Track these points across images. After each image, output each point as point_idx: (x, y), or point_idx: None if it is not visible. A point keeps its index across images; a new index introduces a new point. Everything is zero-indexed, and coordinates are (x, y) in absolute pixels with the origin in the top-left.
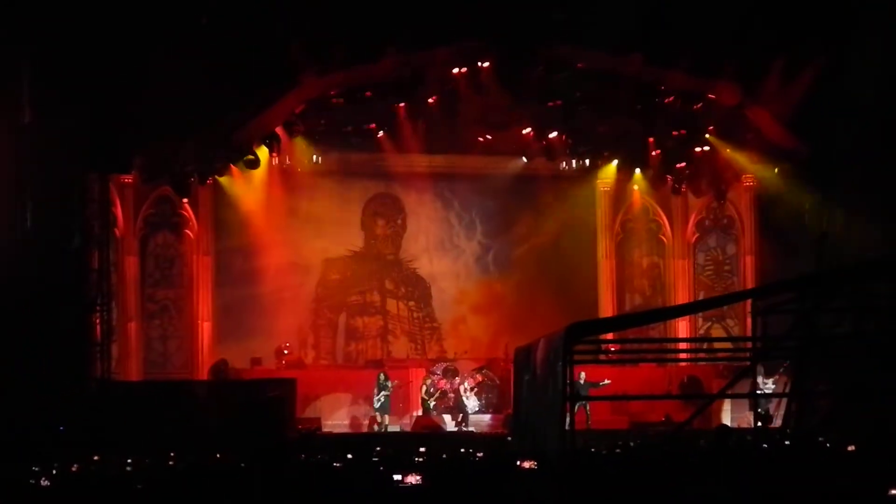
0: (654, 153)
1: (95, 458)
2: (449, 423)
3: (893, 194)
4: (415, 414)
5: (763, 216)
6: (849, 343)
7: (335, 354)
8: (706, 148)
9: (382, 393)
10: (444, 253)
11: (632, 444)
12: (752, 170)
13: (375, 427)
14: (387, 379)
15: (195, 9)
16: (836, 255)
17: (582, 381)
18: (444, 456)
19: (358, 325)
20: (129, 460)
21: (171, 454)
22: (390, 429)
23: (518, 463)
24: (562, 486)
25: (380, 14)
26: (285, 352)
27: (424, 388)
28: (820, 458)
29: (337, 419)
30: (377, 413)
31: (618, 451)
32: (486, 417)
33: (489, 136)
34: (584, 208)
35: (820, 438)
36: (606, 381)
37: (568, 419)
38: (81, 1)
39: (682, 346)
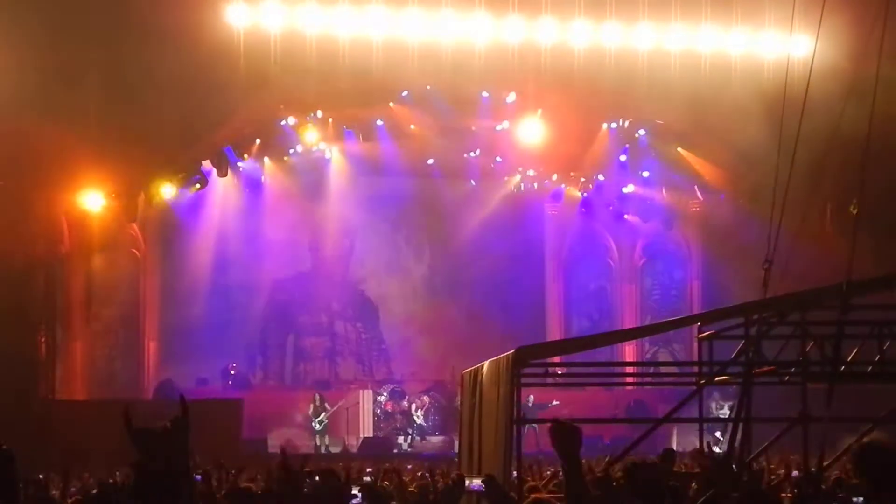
0: (601, 178)
1: (39, 476)
2: (397, 445)
3: (840, 221)
4: (361, 435)
5: (710, 241)
6: (793, 369)
7: (283, 375)
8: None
9: (323, 415)
10: (392, 275)
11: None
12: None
13: (322, 449)
14: (323, 401)
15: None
16: (781, 281)
17: (530, 404)
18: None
19: (306, 346)
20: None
21: (116, 474)
22: (332, 450)
23: (467, 484)
24: None
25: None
26: (232, 372)
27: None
28: (761, 483)
29: (283, 439)
30: (317, 436)
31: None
32: (434, 439)
33: (438, 159)
34: (533, 232)
35: (762, 463)
36: (555, 403)
37: (515, 443)
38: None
39: (629, 369)
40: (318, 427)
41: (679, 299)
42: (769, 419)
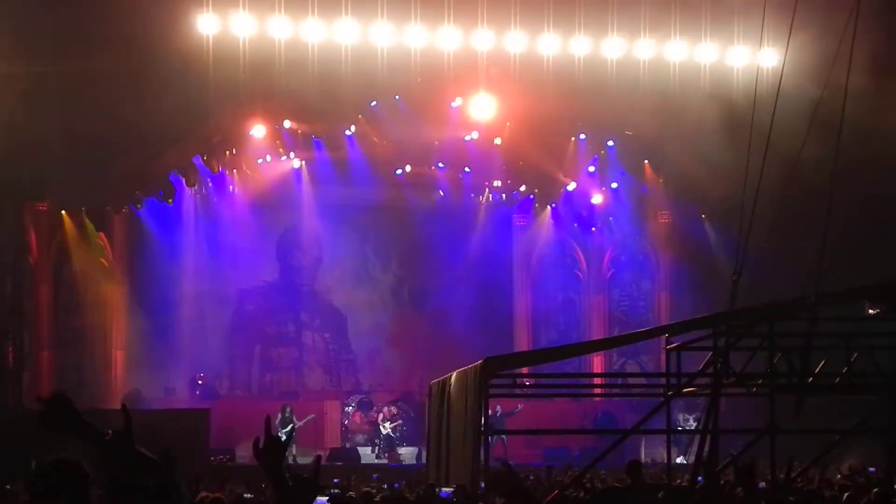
0: (570, 188)
1: (7, 487)
2: (365, 455)
3: (806, 234)
4: (328, 446)
5: (678, 253)
6: (761, 381)
7: (250, 385)
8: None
9: (291, 426)
10: (359, 285)
11: (543, 475)
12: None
13: (290, 459)
14: (292, 413)
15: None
16: (749, 293)
17: (498, 414)
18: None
19: (273, 356)
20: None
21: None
22: (300, 461)
23: (436, 490)
24: None
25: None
26: (199, 382)
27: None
28: (729, 495)
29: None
30: None
31: (531, 478)
32: (402, 450)
33: (405, 169)
34: (500, 242)
35: (729, 476)
36: (519, 407)
37: (483, 453)
38: None
39: (597, 381)
40: (283, 438)
41: (647, 310)
42: (737, 430)
